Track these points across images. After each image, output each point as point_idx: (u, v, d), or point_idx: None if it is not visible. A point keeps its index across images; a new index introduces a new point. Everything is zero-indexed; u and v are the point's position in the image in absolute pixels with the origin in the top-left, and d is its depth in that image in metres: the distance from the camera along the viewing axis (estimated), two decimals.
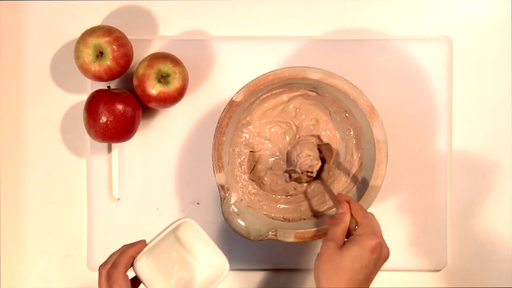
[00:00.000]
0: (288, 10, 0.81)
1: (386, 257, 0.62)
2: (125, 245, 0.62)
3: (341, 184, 0.76)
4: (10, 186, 0.80)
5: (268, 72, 0.69)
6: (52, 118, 0.80)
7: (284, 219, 0.74)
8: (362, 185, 0.72)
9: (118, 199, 0.79)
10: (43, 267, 0.81)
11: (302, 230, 0.70)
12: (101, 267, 0.61)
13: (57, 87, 0.81)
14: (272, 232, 0.70)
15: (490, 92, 0.81)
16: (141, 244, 0.62)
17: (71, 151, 0.81)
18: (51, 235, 0.80)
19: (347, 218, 0.63)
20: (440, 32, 0.81)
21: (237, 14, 0.81)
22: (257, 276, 0.80)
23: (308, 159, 0.74)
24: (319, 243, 0.71)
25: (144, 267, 0.62)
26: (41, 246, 0.81)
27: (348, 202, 0.64)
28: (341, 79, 0.69)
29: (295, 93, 0.75)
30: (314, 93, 0.75)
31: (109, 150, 0.80)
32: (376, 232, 0.62)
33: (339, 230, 0.62)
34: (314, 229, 0.70)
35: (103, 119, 0.72)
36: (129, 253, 0.60)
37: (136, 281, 0.62)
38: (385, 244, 0.62)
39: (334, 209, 0.70)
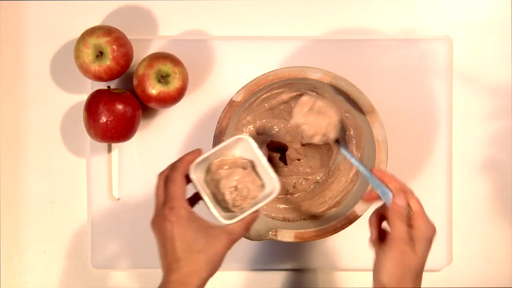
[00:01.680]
0: (288, 10, 0.81)
1: (434, 239, 0.61)
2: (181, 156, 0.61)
3: (341, 184, 0.76)
4: (10, 186, 0.80)
5: (268, 72, 0.69)
6: (52, 118, 0.80)
7: (284, 219, 0.74)
8: (362, 185, 0.72)
9: (118, 199, 0.79)
10: (43, 267, 0.81)
11: (302, 230, 0.70)
12: (159, 174, 0.61)
13: (57, 87, 0.81)
14: (272, 232, 0.70)
15: (490, 92, 0.81)
16: (198, 151, 0.61)
17: (71, 151, 0.81)
18: (51, 235, 0.80)
19: (407, 210, 0.60)
20: (440, 32, 0.81)
21: (237, 14, 0.81)
22: (257, 276, 0.80)
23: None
24: (318, 243, 0.71)
25: (199, 172, 0.62)
26: (41, 246, 0.81)
27: (401, 188, 0.61)
28: (341, 79, 0.69)
29: (295, 93, 0.75)
30: (314, 93, 0.75)
31: (109, 150, 0.80)
32: (430, 220, 0.60)
33: (404, 227, 0.59)
34: (314, 229, 0.70)
35: (103, 119, 0.72)
36: (186, 158, 0.60)
37: (194, 199, 0.62)
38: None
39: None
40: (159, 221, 0.58)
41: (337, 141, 0.71)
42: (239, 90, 0.70)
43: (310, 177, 0.78)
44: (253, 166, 0.65)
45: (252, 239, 0.69)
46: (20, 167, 0.81)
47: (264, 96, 0.74)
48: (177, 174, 0.59)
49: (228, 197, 0.62)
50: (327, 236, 0.70)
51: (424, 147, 0.79)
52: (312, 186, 0.78)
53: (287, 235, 0.70)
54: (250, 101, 0.73)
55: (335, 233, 0.70)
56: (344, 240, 0.79)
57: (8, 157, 0.81)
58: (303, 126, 0.70)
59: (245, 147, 0.64)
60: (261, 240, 0.69)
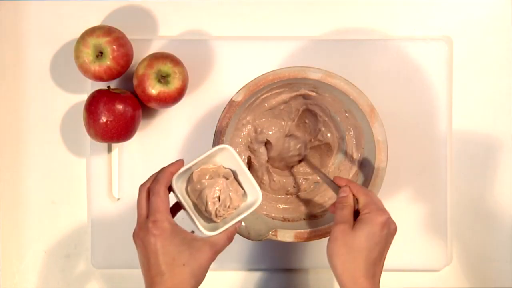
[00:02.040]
0: (288, 10, 0.81)
1: (394, 231, 0.62)
2: (163, 167, 0.62)
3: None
4: (10, 186, 0.80)
5: (268, 72, 0.69)
6: (52, 118, 0.80)
7: (284, 219, 0.74)
8: (362, 185, 0.72)
9: (118, 199, 0.79)
10: (43, 267, 0.81)
11: (302, 230, 0.70)
12: (141, 186, 0.61)
13: (57, 87, 0.81)
14: (272, 232, 0.70)
15: (490, 92, 0.81)
16: (180, 162, 0.61)
17: (71, 151, 0.81)
18: (51, 235, 0.80)
19: (351, 199, 0.63)
20: (440, 32, 0.81)
21: (237, 14, 0.81)
22: (257, 276, 0.80)
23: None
24: (318, 243, 0.71)
25: (180, 183, 0.62)
26: (41, 246, 0.81)
27: (348, 184, 0.64)
28: (341, 79, 0.69)
29: (295, 93, 0.75)
30: (314, 93, 0.75)
31: (109, 150, 0.80)
32: (382, 208, 0.62)
33: (347, 212, 0.62)
34: (314, 229, 0.70)
35: (103, 119, 0.72)
36: (168, 169, 0.60)
37: (174, 210, 0.62)
38: (392, 218, 0.62)
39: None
40: (142, 235, 0.58)
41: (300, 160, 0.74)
42: (239, 90, 0.70)
43: (310, 177, 0.78)
44: (234, 175, 0.64)
45: (252, 239, 0.69)
46: (20, 167, 0.81)
47: (264, 96, 0.74)
48: (160, 186, 0.59)
49: (211, 207, 0.62)
50: (327, 236, 0.70)
51: (424, 147, 0.79)
52: (312, 186, 0.78)
53: (287, 235, 0.70)
54: (250, 101, 0.73)
55: None
56: None
57: (8, 157, 0.81)
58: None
59: (227, 156, 0.63)
60: (261, 240, 0.69)
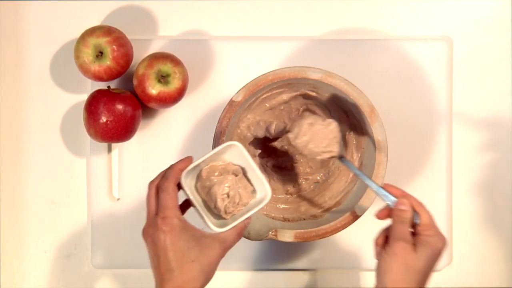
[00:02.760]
0: (288, 10, 0.81)
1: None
2: (172, 164, 0.62)
3: (341, 184, 0.76)
4: (10, 186, 0.80)
5: (268, 72, 0.69)
6: (52, 118, 0.80)
7: (284, 219, 0.74)
8: (362, 185, 0.72)
9: (118, 199, 0.79)
10: (43, 267, 0.81)
11: (302, 230, 0.70)
12: (150, 183, 0.61)
13: (57, 87, 0.81)
14: (272, 232, 0.70)
15: (490, 92, 0.81)
16: (189, 159, 0.61)
17: (71, 151, 0.81)
18: (51, 235, 0.80)
19: (410, 214, 0.60)
20: (440, 32, 0.81)
21: (237, 14, 0.81)
22: (257, 276, 0.80)
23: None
24: (318, 243, 0.71)
25: (189, 180, 0.63)
26: (41, 246, 0.81)
27: (406, 196, 0.62)
28: (341, 79, 0.69)
29: (295, 93, 0.75)
30: (314, 93, 0.75)
31: (109, 150, 0.80)
32: (441, 232, 0.60)
33: (406, 229, 0.60)
34: (314, 229, 0.70)
35: (103, 119, 0.72)
36: (177, 166, 0.60)
37: (184, 207, 0.62)
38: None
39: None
40: (151, 231, 0.58)
41: (341, 157, 0.70)
42: (239, 90, 0.70)
43: (310, 177, 0.78)
44: (243, 172, 0.64)
45: (252, 239, 0.69)
46: (20, 167, 0.81)
47: (264, 96, 0.74)
48: (169, 183, 0.58)
49: (220, 204, 0.62)
50: (327, 236, 0.70)
51: (424, 148, 0.79)
52: (312, 186, 0.78)
53: (287, 235, 0.70)
54: (250, 101, 0.73)
55: (335, 233, 0.70)
56: (344, 240, 0.79)
57: (8, 157, 0.81)
58: (309, 145, 0.69)
59: (236, 153, 0.63)
60: (261, 240, 0.69)
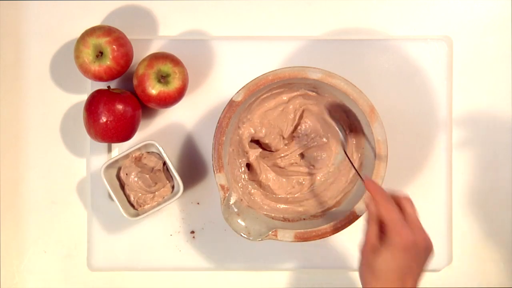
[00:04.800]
0: (288, 10, 0.81)
1: (428, 248, 0.59)
2: None
3: (341, 184, 0.76)
4: (10, 186, 0.80)
5: (268, 72, 0.69)
6: (52, 118, 0.80)
7: (284, 219, 0.74)
8: (362, 186, 0.72)
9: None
10: (43, 267, 0.81)
11: (302, 230, 0.70)
12: None
13: (57, 87, 0.81)
14: (272, 232, 0.70)
15: (490, 92, 0.81)
16: None
17: (71, 151, 0.81)
18: (51, 235, 0.80)
19: (374, 217, 0.60)
20: (440, 32, 0.81)
21: (237, 14, 0.81)
22: (257, 276, 0.80)
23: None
24: (319, 243, 0.71)
25: (110, 174, 0.76)
26: (41, 246, 0.81)
27: (375, 196, 0.61)
28: (341, 79, 0.69)
29: (295, 93, 0.75)
30: (314, 93, 0.75)
31: (109, 150, 0.80)
32: (404, 226, 0.58)
33: (370, 232, 0.60)
34: (314, 229, 0.70)
35: (103, 119, 0.72)
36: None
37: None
38: (422, 235, 0.59)
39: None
40: None
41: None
42: (239, 90, 0.70)
43: (310, 177, 0.78)
44: (165, 169, 0.76)
45: (252, 239, 0.69)
46: (20, 167, 0.81)
47: (264, 96, 0.74)
48: None
49: (133, 197, 0.76)
50: (327, 236, 0.70)
51: (424, 147, 0.79)
52: (312, 186, 0.78)
53: (287, 235, 0.70)
54: (250, 101, 0.73)
55: (335, 233, 0.70)
56: (344, 240, 0.79)
57: (8, 157, 0.81)
58: None
59: (155, 150, 0.76)
60: (261, 240, 0.69)
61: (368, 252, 0.59)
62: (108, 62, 0.73)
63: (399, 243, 0.57)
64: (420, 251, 0.58)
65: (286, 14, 0.81)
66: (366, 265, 0.59)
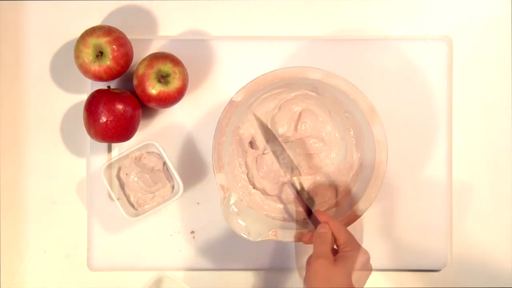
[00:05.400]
0: (288, 10, 0.81)
1: (370, 272, 0.67)
2: None
3: (341, 184, 0.76)
4: (10, 186, 0.80)
5: (268, 72, 0.69)
6: (52, 118, 0.80)
7: (284, 219, 0.74)
8: (362, 186, 0.72)
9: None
10: (43, 267, 0.81)
11: (302, 230, 0.70)
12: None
13: (57, 87, 0.81)
14: (272, 232, 0.70)
15: (490, 92, 0.81)
16: None
17: (71, 151, 0.81)
18: (51, 235, 0.80)
19: (330, 236, 0.66)
20: (440, 32, 0.81)
21: (237, 14, 0.81)
22: (257, 276, 0.80)
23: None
24: None
25: (109, 175, 0.77)
26: (41, 246, 0.81)
27: (328, 221, 0.68)
28: (341, 79, 0.69)
29: (295, 93, 0.75)
30: (314, 93, 0.75)
31: (109, 150, 0.80)
32: (363, 248, 0.66)
33: (326, 248, 0.65)
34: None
35: (103, 119, 0.72)
36: None
37: None
38: (368, 253, 0.67)
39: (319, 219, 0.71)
40: None
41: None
42: (239, 90, 0.70)
43: (310, 177, 0.78)
44: (162, 169, 0.77)
45: (252, 239, 0.69)
46: (20, 167, 0.80)
47: (264, 96, 0.74)
48: None
49: (134, 197, 0.77)
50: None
51: (424, 147, 0.79)
52: (312, 186, 0.78)
53: (287, 235, 0.70)
54: (250, 101, 0.73)
55: None
56: None
57: (8, 157, 0.81)
58: None
59: (155, 151, 0.76)
60: (261, 240, 0.69)
61: (328, 265, 0.63)
62: (108, 62, 0.73)
63: (360, 259, 0.65)
64: (367, 271, 0.66)
65: (286, 14, 0.81)
66: (325, 278, 0.63)
